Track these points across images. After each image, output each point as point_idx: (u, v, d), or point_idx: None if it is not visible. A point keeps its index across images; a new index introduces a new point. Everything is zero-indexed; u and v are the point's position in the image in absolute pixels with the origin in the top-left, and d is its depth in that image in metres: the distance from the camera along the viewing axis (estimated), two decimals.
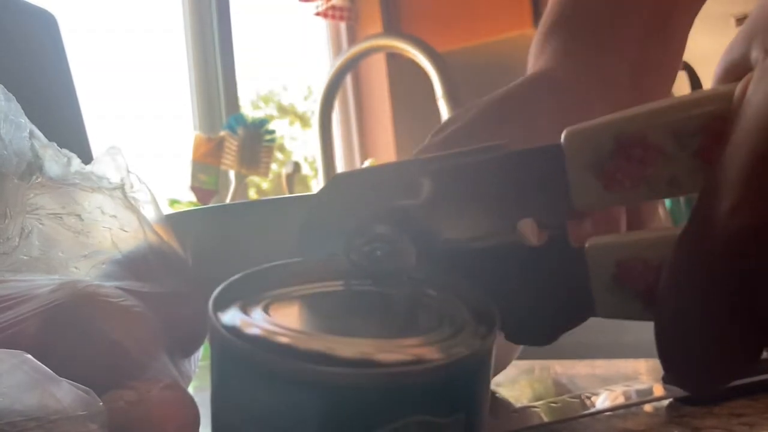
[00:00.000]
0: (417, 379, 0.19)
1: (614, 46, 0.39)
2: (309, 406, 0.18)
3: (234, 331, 0.20)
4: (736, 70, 0.21)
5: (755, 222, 0.17)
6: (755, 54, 0.20)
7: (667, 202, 1.55)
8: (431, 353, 0.19)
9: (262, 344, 0.19)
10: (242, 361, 0.20)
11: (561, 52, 0.39)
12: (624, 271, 0.22)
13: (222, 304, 0.21)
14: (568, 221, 0.23)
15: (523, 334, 0.24)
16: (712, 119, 0.19)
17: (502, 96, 0.37)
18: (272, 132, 1.29)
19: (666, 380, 0.21)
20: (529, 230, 0.24)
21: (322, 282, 0.24)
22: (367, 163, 1.63)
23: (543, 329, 0.24)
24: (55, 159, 0.36)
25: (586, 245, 0.22)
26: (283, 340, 0.19)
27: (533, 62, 0.40)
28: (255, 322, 0.21)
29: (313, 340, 0.19)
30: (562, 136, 0.22)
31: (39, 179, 0.35)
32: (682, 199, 1.54)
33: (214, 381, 0.21)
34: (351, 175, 0.25)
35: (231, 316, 0.21)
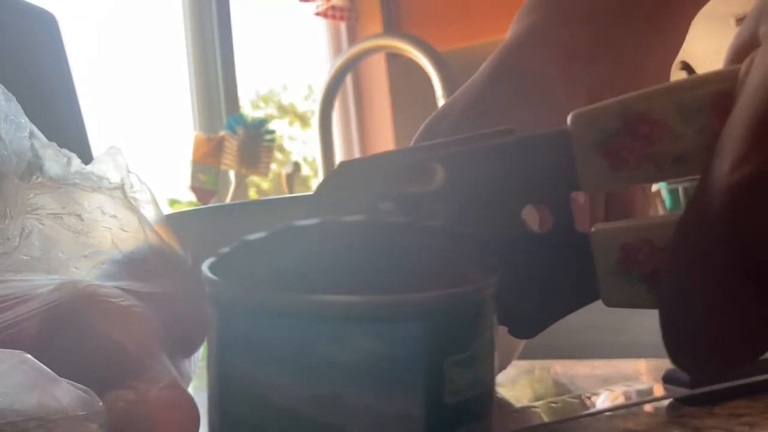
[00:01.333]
0: (492, 289, 0.18)
1: (619, 37, 0.39)
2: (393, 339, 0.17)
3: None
4: (746, 50, 0.21)
5: (756, 174, 0.16)
6: (763, 29, 0.20)
7: (667, 201, 1.55)
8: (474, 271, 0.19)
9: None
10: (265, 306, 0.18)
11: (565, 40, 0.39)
12: (629, 254, 0.21)
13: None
14: (573, 207, 0.23)
15: (524, 323, 0.24)
16: (719, 97, 0.19)
17: (476, 91, 0.37)
18: (272, 132, 1.29)
19: (673, 363, 0.20)
20: (534, 217, 0.24)
21: None
22: None
23: (545, 317, 0.24)
24: (55, 159, 0.36)
25: (592, 230, 0.22)
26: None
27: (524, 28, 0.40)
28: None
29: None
30: (569, 118, 0.22)
31: (39, 179, 0.35)
32: (682, 197, 1.54)
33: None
34: (356, 163, 0.25)
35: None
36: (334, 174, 0.24)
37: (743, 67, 0.19)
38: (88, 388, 0.28)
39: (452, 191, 0.23)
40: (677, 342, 0.19)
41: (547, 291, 0.23)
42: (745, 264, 0.17)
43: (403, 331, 0.17)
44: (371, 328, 0.17)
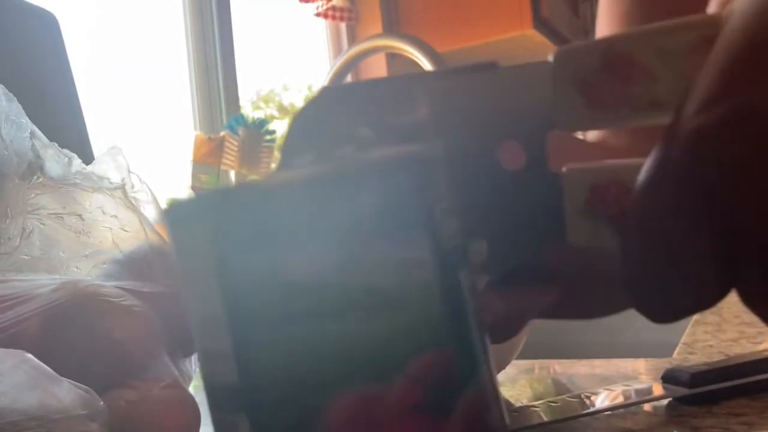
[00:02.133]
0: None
1: None
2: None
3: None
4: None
5: (717, 116, 0.16)
6: None
7: None
8: None
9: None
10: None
11: None
12: (597, 195, 0.22)
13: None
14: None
15: (496, 259, 0.24)
16: (701, 41, 0.19)
17: None
18: (273, 132, 1.29)
19: (635, 306, 0.20)
20: (508, 153, 0.24)
21: None
22: None
23: (512, 255, 0.24)
24: (56, 159, 0.36)
25: (564, 169, 0.22)
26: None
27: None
28: None
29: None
30: (551, 54, 0.22)
31: (40, 179, 0.35)
32: None
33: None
34: (340, 89, 0.25)
35: None
36: (319, 98, 0.24)
37: (725, 12, 0.19)
38: (89, 388, 0.28)
39: (432, 122, 0.23)
40: (638, 283, 0.19)
41: (516, 228, 0.23)
42: (707, 208, 0.17)
43: (396, 181, 0.18)
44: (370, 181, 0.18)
